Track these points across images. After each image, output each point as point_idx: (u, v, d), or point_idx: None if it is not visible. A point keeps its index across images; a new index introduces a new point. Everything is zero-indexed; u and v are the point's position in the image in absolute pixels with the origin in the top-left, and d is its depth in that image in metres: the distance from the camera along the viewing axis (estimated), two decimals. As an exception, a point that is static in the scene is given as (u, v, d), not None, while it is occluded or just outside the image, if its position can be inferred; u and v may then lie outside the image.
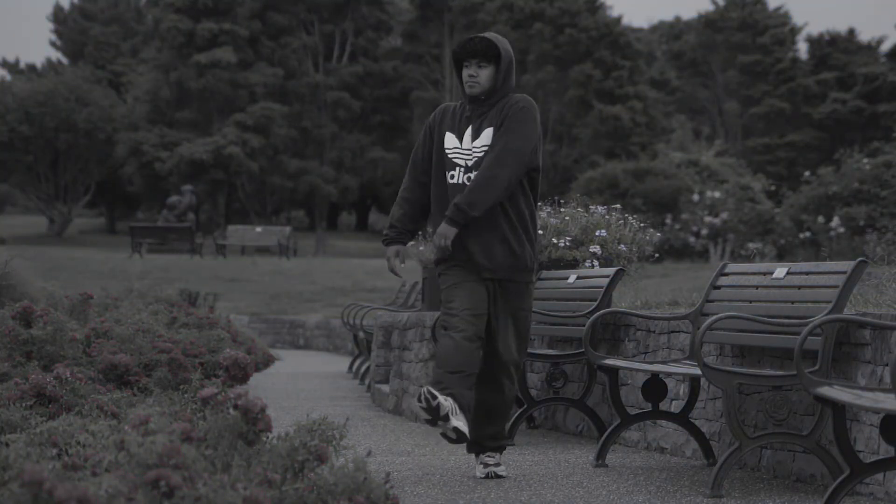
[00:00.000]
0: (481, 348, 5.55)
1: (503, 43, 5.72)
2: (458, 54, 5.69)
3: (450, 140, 5.73)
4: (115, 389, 5.96)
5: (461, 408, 5.36)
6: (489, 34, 5.72)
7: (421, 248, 9.66)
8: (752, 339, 5.63)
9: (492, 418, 5.71)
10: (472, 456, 6.43)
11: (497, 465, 5.70)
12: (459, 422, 5.32)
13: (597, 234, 8.68)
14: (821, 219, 27.36)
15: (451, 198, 5.64)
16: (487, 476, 5.63)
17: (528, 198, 5.70)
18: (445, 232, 5.57)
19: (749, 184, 33.90)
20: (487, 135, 5.66)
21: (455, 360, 5.40)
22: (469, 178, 5.63)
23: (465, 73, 5.68)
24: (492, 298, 5.65)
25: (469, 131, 5.70)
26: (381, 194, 56.63)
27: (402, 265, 5.83)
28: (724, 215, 31.58)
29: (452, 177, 5.68)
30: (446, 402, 5.28)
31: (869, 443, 4.97)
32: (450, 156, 5.70)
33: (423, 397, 5.27)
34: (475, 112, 5.71)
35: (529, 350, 7.53)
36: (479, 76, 5.65)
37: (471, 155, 5.67)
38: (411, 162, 5.88)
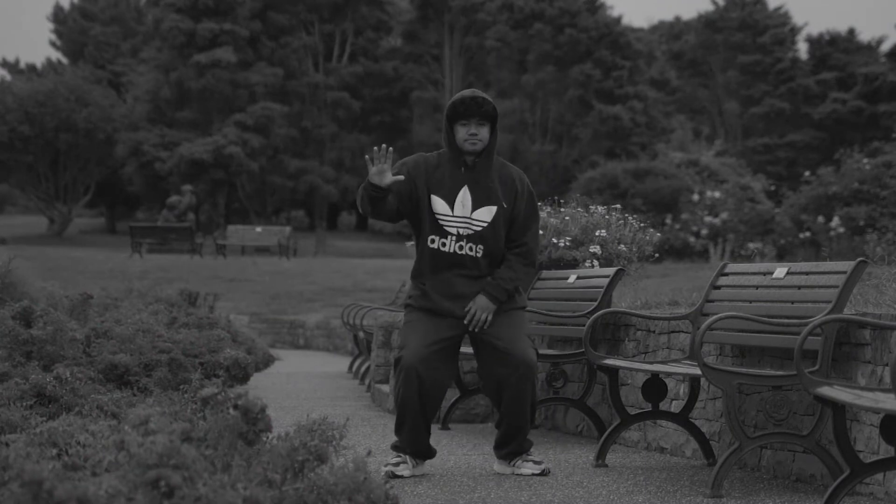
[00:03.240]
0: (441, 377, 5.70)
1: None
2: (464, 113, 5.63)
3: (439, 205, 5.68)
4: (115, 389, 5.97)
5: (417, 456, 5.76)
6: (483, 94, 5.71)
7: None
8: (752, 339, 5.63)
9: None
10: (470, 456, 6.44)
11: (541, 461, 5.81)
12: (405, 472, 5.68)
13: (597, 234, 8.68)
14: (821, 219, 27.36)
15: (443, 265, 5.66)
16: (543, 473, 5.74)
17: None
18: (488, 307, 5.65)
19: (749, 184, 33.88)
20: (489, 212, 5.67)
21: (408, 412, 5.69)
22: (461, 248, 5.64)
23: (465, 130, 5.64)
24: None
25: (462, 198, 5.67)
26: (381, 194, 56.56)
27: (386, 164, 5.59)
28: (724, 215, 31.57)
29: (444, 244, 5.66)
30: (403, 470, 5.68)
31: (869, 443, 4.97)
32: (441, 222, 5.67)
33: (388, 475, 5.63)
34: (467, 177, 5.69)
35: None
36: (481, 134, 5.65)
37: (468, 226, 5.67)
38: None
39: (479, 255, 5.68)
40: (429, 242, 5.69)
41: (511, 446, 5.79)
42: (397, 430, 5.77)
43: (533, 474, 5.69)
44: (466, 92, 5.69)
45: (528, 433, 5.80)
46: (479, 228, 5.67)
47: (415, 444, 5.74)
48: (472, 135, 5.64)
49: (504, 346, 5.64)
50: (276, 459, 3.13)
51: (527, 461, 5.76)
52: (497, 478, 5.65)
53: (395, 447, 5.80)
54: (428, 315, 5.70)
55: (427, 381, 5.66)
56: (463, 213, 5.68)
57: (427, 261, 5.72)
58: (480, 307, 5.64)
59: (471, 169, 5.70)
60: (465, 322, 5.65)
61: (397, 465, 5.68)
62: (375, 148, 5.51)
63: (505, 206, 5.69)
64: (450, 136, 5.71)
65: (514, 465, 5.78)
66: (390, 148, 5.55)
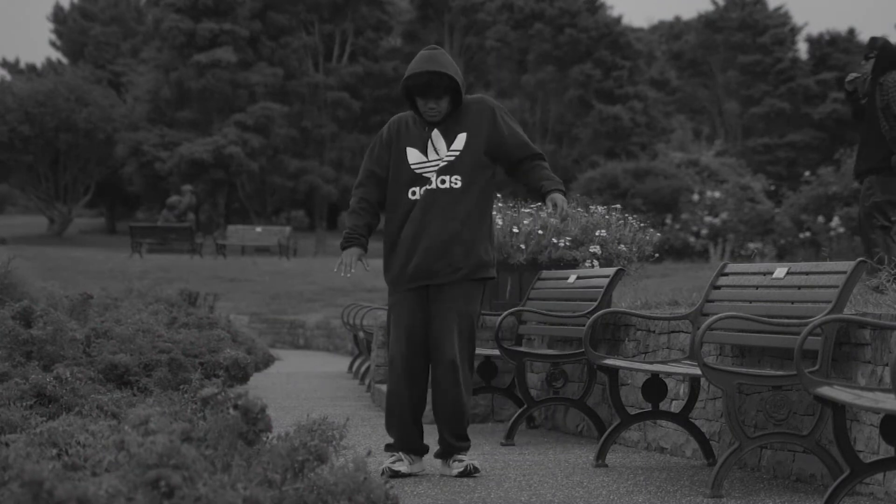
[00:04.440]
0: (421, 365, 5.72)
1: (457, 71, 5.64)
2: (424, 93, 5.61)
3: (413, 155, 5.69)
4: (115, 389, 5.97)
5: (409, 451, 5.76)
6: (440, 64, 5.57)
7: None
8: (752, 339, 5.63)
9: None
10: (470, 456, 6.43)
11: (472, 460, 5.77)
12: (403, 467, 5.68)
13: (597, 234, 8.68)
14: (821, 219, 27.36)
15: (417, 212, 5.62)
16: (466, 471, 5.65)
17: (492, 196, 5.86)
18: (562, 198, 5.64)
19: (749, 184, 33.87)
20: (461, 139, 5.67)
21: (395, 404, 5.74)
22: (444, 182, 5.61)
23: (423, 103, 5.65)
24: (432, 301, 5.68)
25: (435, 144, 5.67)
26: (381, 194, 56.59)
27: (360, 266, 5.87)
28: (724, 215, 31.56)
29: (426, 190, 5.65)
30: (400, 466, 5.67)
31: (869, 443, 4.97)
32: (417, 171, 5.66)
33: (386, 473, 5.61)
34: (436, 126, 5.72)
35: (529, 350, 7.53)
36: (439, 106, 5.66)
37: (445, 160, 5.65)
38: (369, 172, 5.80)
39: (456, 185, 5.63)
40: (409, 195, 5.67)
41: (442, 445, 5.79)
42: (388, 427, 5.79)
43: (459, 474, 5.65)
44: (420, 67, 5.57)
45: (460, 433, 5.73)
46: (453, 158, 5.65)
47: (405, 440, 5.74)
48: (430, 108, 5.66)
49: (432, 340, 5.66)
50: (276, 459, 3.13)
51: (456, 460, 5.75)
52: (497, 478, 5.65)
53: (388, 447, 5.81)
54: (404, 295, 5.70)
55: (413, 370, 5.69)
56: (438, 156, 5.67)
57: (402, 216, 5.69)
58: (558, 200, 5.63)
59: (437, 121, 5.73)
60: (554, 217, 5.65)
61: (394, 462, 5.69)
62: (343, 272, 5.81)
63: (480, 131, 5.67)
64: (412, 103, 5.72)
65: (448, 465, 5.76)
66: (351, 271, 5.81)
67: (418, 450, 5.79)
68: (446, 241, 5.62)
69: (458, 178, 5.64)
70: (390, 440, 5.83)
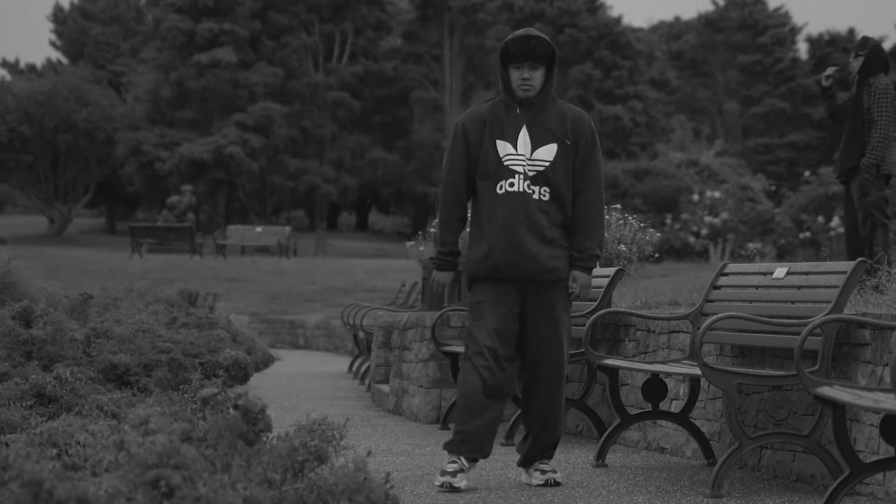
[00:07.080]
0: (513, 363, 5.50)
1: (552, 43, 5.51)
2: (515, 56, 5.39)
3: (503, 147, 5.43)
4: (115, 389, 5.97)
5: (471, 457, 5.39)
6: (538, 32, 5.45)
7: (421, 249, 9.64)
8: (751, 339, 5.63)
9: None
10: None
11: (554, 471, 5.52)
12: (463, 482, 5.31)
13: (597, 234, 8.66)
14: (821, 219, 27.37)
15: (512, 206, 5.38)
16: (546, 483, 5.43)
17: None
18: (588, 282, 5.48)
19: (749, 184, 33.89)
20: (550, 150, 5.42)
21: (477, 398, 5.38)
22: (528, 187, 5.38)
23: (517, 75, 5.41)
24: (528, 303, 5.46)
25: (524, 137, 5.43)
26: (380, 194, 56.65)
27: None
28: (724, 215, 31.57)
29: (512, 185, 5.38)
30: (461, 480, 5.30)
31: (869, 443, 4.97)
32: (506, 163, 5.41)
33: (445, 485, 5.28)
34: (525, 117, 5.46)
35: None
36: (534, 79, 5.41)
37: (531, 165, 5.41)
38: (452, 181, 5.51)
39: (545, 197, 5.41)
40: (497, 189, 5.41)
41: (532, 452, 5.56)
42: (462, 424, 5.38)
43: (538, 484, 5.44)
44: (520, 31, 5.44)
45: (551, 440, 5.56)
46: (542, 168, 5.42)
47: (484, 442, 5.41)
48: (524, 79, 5.40)
49: (533, 351, 5.46)
50: (276, 459, 3.13)
51: (537, 469, 5.52)
52: (497, 478, 5.65)
53: (451, 448, 5.40)
54: (494, 293, 5.43)
55: (505, 369, 5.44)
56: (525, 153, 5.42)
57: (493, 212, 5.42)
58: (582, 285, 5.45)
59: (528, 108, 5.47)
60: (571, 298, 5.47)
61: (455, 473, 5.31)
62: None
63: (568, 143, 5.45)
64: (504, 79, 5.47)
65: (529, 473, 5.54)
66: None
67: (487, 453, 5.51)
68: (534, 251, 5.42)
69: (548, 189, 5.42)
70: (450, 439, 5.45)
